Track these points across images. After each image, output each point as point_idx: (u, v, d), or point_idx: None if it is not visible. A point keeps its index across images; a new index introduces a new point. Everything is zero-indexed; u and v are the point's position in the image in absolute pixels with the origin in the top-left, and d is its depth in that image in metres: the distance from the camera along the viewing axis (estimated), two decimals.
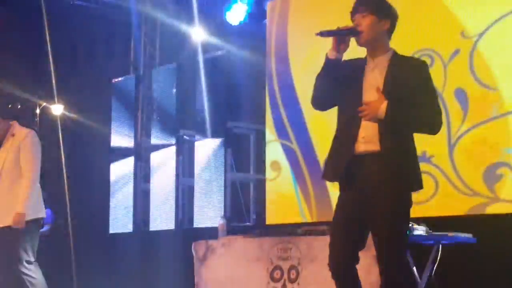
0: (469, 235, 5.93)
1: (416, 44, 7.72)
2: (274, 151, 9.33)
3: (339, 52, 4.07)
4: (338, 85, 4.10)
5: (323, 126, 8.32)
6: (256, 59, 10.21)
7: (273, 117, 9.39)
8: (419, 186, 4.08)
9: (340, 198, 4.15)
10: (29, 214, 5.85)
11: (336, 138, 4.15)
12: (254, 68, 10.34)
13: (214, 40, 11.19)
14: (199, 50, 11.32)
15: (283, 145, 9.21)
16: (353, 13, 4.13)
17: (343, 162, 4.03)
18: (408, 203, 4.04)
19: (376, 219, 3.96)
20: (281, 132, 9.27)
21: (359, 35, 4.07)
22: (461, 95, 7.54)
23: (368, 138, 3.97)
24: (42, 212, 6.01)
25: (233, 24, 10.69)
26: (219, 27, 11.06)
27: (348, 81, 4.11)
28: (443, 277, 5.98)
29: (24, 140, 5.90)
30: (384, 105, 3.90)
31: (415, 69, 4.05)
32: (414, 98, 3.97)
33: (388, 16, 4.11)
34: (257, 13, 10.54)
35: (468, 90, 7.49)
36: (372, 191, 3.97)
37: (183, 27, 11.56)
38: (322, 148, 8.68)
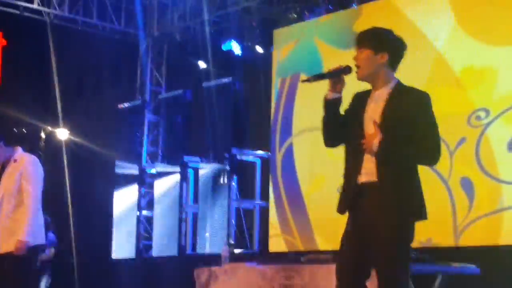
0: (473, 267, 5.92)
1: None
2: None
3: (337, 92, 4.15)
4: (343, 121, 4.19)
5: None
6: (261, 87, 10.26)
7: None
8: (421, 216, 4.08)
9: (345, 228, 4.19)
10: (29, 241, 5.84)
11: (345, 171, 4.22)
12: (260, 95, 10.39)
13: (220, 68, 11.25)
14: (205, 77, 11.38)
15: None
16: (355, 48, 4.20)
17: (350, 194, 4.12)
18: (408, 233, 4.04)
19: (376, 250, 3.99)
20: None
21: (350, 72, 4.14)
22: (467, 184, 7.51)
23: (368, 169, 4.04)
24: (41, 239, 6.00)
25: (237, 54, 10.80)
26: (226, 54, 11.13)
27: (352, 114, 4.18)
28: None
29: (25, 166, 5.92)
30: (377, 140, 3.96)
31: (415, 101, 4.06)
32: (412, 131, 3.99)
33: (386, 49, 4.12)
34: (263, 41, 10.62)
35: (474, 180, 7.46)
36: (372, 222, 4.00)
37: (190, 54, 11.63)
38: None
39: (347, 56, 4.33)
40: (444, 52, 8.00)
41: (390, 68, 4.16)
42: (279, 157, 9.38)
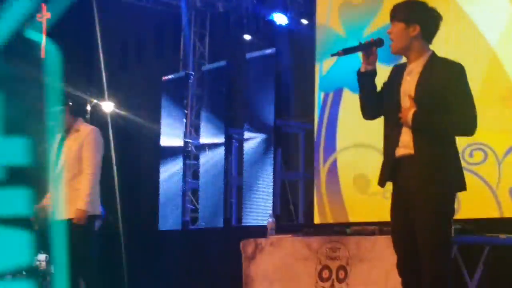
0: None
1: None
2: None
3: (370, 64, 4.21)
4: (381, 93, 4.25)
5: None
6: (305, 58, 10.19)
7: None
8: (460, 187, 4.12)
9: (391, 201, 4.24)
10: (89, 211, 5.95)
11: (384, 144, 4.26)
12: (304, 67, 10.33)
13: (263, 38, 11.21)
14: (248, 48, 11.35)
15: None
16: (390, 21, 4.23)
17: (388, 167, 4.18)
18: (447, 205, 4.08)
19: (417, 222, 4.04)
20: None
21: (382, 45, 4.18)
22: None
23: (405, 142, 4.08)
24: (98, 209, 6.12)
25: (280, 24, 10.74)
26: (269, 25, 11.08)
27: (389, 88, 4.22)
28: (494, 279, 5.91)
29: (87, 137, 6.02)
30: (411, 113, 4.01)
31: (448, 73, 4.06)
32: (447, 102, 4.02)
33: (418, 21, 4.12)
34: (306, 11, 10.55)
35: None
36: (411, 194, 4.06)
37: (233, 25, 11.61)
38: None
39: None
40: (500, 51, 7.62)
41: (424, 40, 4.16)
42: (323, 172, 9.28)
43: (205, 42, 12.72)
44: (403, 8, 4.18)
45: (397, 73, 4.22)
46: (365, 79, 4.22)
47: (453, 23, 7.78)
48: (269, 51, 10.89)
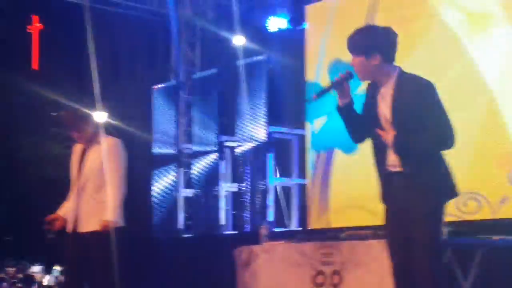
0: None
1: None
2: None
3: (346, 97, 4.28)
4: (362, 119, 4.33)
5: None
6: (295, 64, 10.20)
7: None
8: (451, 195, 4.20)
9: (385, 215, 4.34)
10: (119, 221, 5.93)
11: (374, 163, 4.35)
12: (294, 73, 10.33)
13: (254, 45, 11.21)
14: (239, 55, 11.35)
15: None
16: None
17: (381, 184, 4.29)
18: (439, 215, 4.15)
19: (409, 234, 4.11)
20: None
21: (352, 78, 4.24)
22: None
23: (393, 162, 4.19)
24: (122, 221, 6.09)
25: (272, 31, 10.73)
26: (259, 32, 11.08)
27: (369, 111, 4.30)
28: (487, 281, 5.91)
29: (111, 149, 5.99)
30: (390, 136, 4.10)
31: (419, 92, 4.11)
32: (422, 121, 4.08)
33: (376, 51, 4.16)
34: (296, 18, 10.55)
35: None
36: (402, 208, 4.15)
37: (223, 32, 11.61)
38: None
39: None
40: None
41: (387, 63, 4.21)
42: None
43: (196, 50, 12.73)
44: (359, 41, 4.22)
45: (373, 94, 4.29)
46: (345, 112, 4.31)
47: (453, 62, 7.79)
48: (260, 57, 10.90)
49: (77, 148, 6.08)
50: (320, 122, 9.17)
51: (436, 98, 4.13)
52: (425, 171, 4.11)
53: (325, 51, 9.20)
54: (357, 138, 4.42)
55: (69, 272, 6.18)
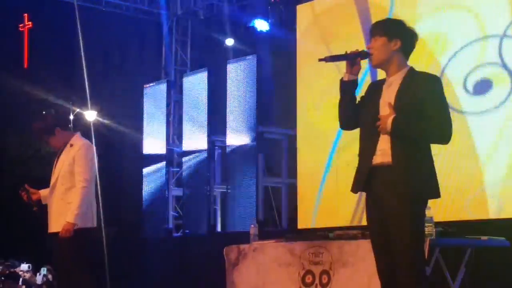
0: (503, 239, 5.88)
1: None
2: None
3: (353, 73, 4.35)
4: (359, 105, 4.39)
5: None
6: (285, 64, 10.22)
7: None
8: (434, 194, 4.23)
9: (366, 209, 4.38)
10: (77, 223, 5.95)
11: (359, 154, 4.38)
12: (285, 73, 10.35)
13: (244, 45, 11.22)
14: (230, 55, 11.36)
15: None
16: (370, 37, 4.39)
17: (363, 175, 4.29)
18: (421, 210, 4.20)
19: (392, 228, 4.16)
20: None
21: (368, 57, 4.33)
22: None
23: (383, 151, 4.21)
24: (91, 222, 6.11)
25: (261, 31, 10.76)
26: (249, 32, 11.10)
27: (368, 100, 4.37)
28: (476, 281, 5.93)
29: (78, 151, 6.08)
30: (390, 119, 4.13)
31: (426, 83, 4.21)
32: (423, 111, 4.14)
33: (399, 36, 4.28)
34: (287, 17, 10.57)
35: None
36: (386, 201, 4.17)
37: (214, 32, 11.62)
38: None
39: None
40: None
41: (404, 55, 4.33)
42: None
43: (187, 50, 12.74)
44: (384, 24, 4.38)
45: (376, 87, 4.38)
46: (347, 87, 4.36)
47: None
48: (250, 57, 10.92)
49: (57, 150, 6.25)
50: None
51: (440, 92, 4.21)
52: (413, 166, 4.14)
53: (316, 51, 9.24)
54: (347, 122, 4.44)
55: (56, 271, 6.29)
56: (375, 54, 4.29)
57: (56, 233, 6.00)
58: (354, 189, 4.39)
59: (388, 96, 4.24)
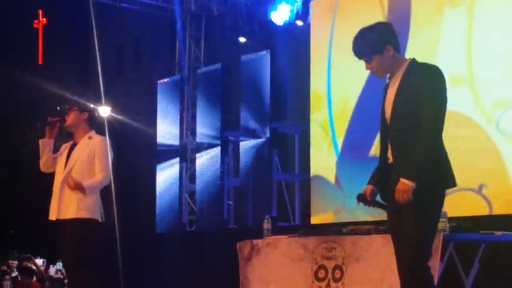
0: None
1: None
2: None
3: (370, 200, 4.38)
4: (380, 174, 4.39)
5: None
6: (300, 59, 10.20)
7: None
8: (448, 184, 4.20)
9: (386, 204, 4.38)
10: (84, 214, 6.00)
11: (380, 151, 4.38)
12: (299, 67, 10.34)
13: (258, 40, 11.21)
14: (244, 50, 11.35)
15: None
16: (359, 58, 4.33)
17: (381, 171, 4.33)
18: (434, 205, 4.18)
19: (404, 218, 4.15)
20: None
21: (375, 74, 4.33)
22: None
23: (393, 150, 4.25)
24: (99, 215, 6.15)
25: (277, 24, 10.71)
26: (264, 26, 11.08)
27: (382, 101, 4.36)
28: (489, 276, 5.91)
29: (100, 144, 6.14)
30: (409, 193, 4.05)
31: (424, 77, 4.16)
32: (419, 111, 4.10)
33: (386, 42, 4.22)
34: (301, 13, 10.55)
35: None
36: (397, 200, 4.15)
37: (228, 28, 11.61)
38: None
39: None
40: None
41: (398, 53, 4.28)
42: None
43: (201, 45, 12.75)
44: (366, 44, 4.26)
45: (385, 87, 4.35)
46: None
47: None
48: (263, 52, 10.91)
49: (63, 148, 6.28)
50: None
51: (438, 89, 4.16)
52: (427, 159, 4.09)
53: (331, 46, 9.23)
54: None
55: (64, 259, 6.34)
56: (377, 72, 4.29)
57: (64, 221, 6.02)
58: (369, 181, 4.41)
59: (390, 95, 4.25)
